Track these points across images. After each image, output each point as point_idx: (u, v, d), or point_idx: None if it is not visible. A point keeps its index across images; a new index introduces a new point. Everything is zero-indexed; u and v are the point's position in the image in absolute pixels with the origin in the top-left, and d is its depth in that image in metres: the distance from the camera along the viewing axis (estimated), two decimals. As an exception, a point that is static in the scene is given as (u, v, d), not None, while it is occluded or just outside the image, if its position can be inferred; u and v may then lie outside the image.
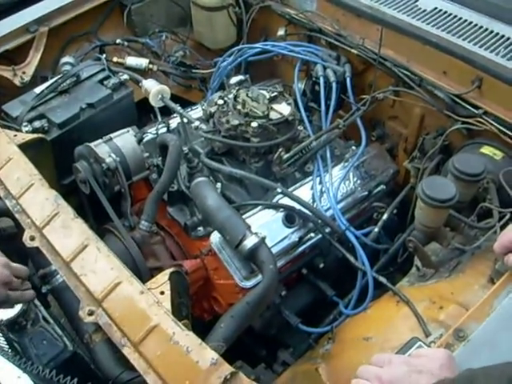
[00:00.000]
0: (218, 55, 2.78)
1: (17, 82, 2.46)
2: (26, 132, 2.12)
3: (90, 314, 1.50)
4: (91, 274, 1.56)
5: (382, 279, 1.88)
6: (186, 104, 2.57)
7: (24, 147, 1.97)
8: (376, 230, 2.09)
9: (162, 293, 1.49)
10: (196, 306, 2.04)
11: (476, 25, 2.25)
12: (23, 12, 2.63)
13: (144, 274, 1.85)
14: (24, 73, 2.49)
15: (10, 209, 1.82)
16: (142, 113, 2.49)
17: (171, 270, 1.58)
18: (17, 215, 1.80)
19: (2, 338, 1.60)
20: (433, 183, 1.70)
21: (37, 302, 1.67)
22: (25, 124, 2.15)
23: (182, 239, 2.07)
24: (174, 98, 2.38)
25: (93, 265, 1.57)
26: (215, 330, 1.59)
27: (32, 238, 1.71)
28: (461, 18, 2.30)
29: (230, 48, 2.70)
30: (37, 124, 2.16)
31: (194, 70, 2.89)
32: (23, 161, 1.90)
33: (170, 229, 2.11)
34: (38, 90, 2.29)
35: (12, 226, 1.94)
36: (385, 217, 2.13)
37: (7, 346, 1.58)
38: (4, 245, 1.92)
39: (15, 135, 2.03)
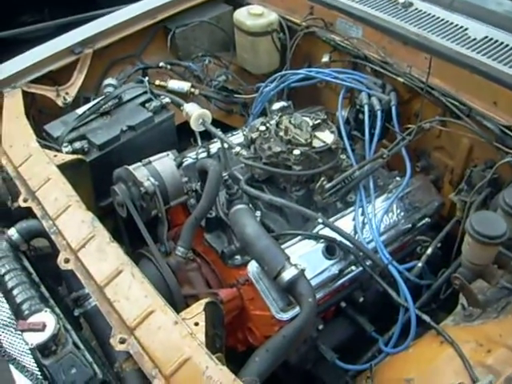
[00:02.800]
0: (261, 80, 2.77)
1: (59, 102, 2.48)
2: (66, 152, 2.13)
3: (122, 342, 1.48)
4: (124, 300, 1.53)
5: (426, 317, 1.79)
6: (227, 129, 2.55)
7: (63, 168, 1.98)
8: (420, 265, 2.01)
9: (197, 324, 1.45)
10: (230, 337, 1.98)
11: (528, 54, 2.19)
12: (69, 34, 2.67)
13: (178, 302, 1.81)
14: (67, 93, 2.51)
15: (47, 229, 1.82)
16: (182, 136, 2.48)
17: (206, 300, 1.54)
18: (53, 236, 1.80)
19: (33, 362, 1.57)
20: (482, 218, 1.63)
21: (68, 326, 1.64)
22: (65, 144, 2.16)
23: (219, 267, 2.03)
24: (214, 122, 2.37)
25: (126, 291, 1.55)
26: (249, 364, 1.54)
27: (66, 261, 1.71)
28: (512, 47, 2.23)
29: (273, 73, 2.68)
30: (77, 145, 2.17)
31: (235, 95, 2.88)
32: (62, 181, 1.90)
33: (206, 256, 2.07)
34: (79, 110, 2.31)
35: (48, 245, 1.94)
36: (429, 251, 2.06)
37: (38, 371, 1.55)
38: (39, 265, 1.92)
39: (55, 155, 2.05)
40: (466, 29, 2.37)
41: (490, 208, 1.97)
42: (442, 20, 2.45)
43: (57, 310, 1.69)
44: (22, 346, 1.60)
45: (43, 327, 1.51)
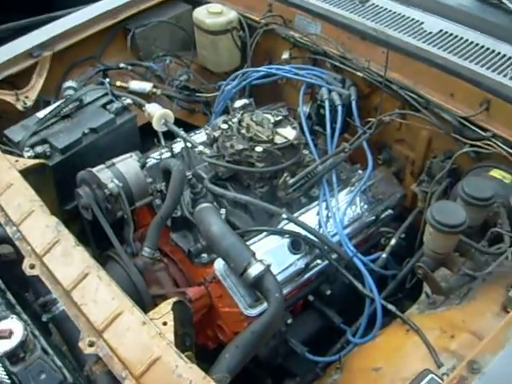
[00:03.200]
0: (222, 79, 2.78)
1: (19, 106, 2.44)
2: (28, 157, 2.10)
3: (91, 345, 1.47)
4: (92, 303, 1.53)
5: (391, 307, 1.83)
6: (190, 128, 2.55)
7: (25, 173, 1.95)
8: (384, 255, 2.05)
9: (165, 323, 1.45)
10: (200, 334, 1.99)
11: (483, 46, 2.24)
12: (26, 37, 2.64)
13: (147, 302, 1.81)
14: (27, 97, 2.47)
15: (10, 236, 1.79)
16: (145, 137, 2.47)
17: (174, 299, 1.54)
18: (17, 242, 1.77)
19: (2, 370, 1.55)
20: (442, 208, 1.67)
21: (36, 332, 1.62)
22: (27, 149, 2.13)
23: (186, 266, 2.03)
24: (177, 121, 2.37)
25: (94, 294, 1.54)
26: (220, 361, 1.55)
27: (32, 267, 1.68)
28: (467, 40, 2.28)
29: (234, 71, 2.70)
30: (39, 149, 2.15)
31: (197, 94, 2.88)
32: (24, 187, 1.88)
33: (173, 255, 2.07)
34: (40, 114, 2.28)
35: (13, 251, 1.91)
36: (393, 242, 2.09)
37: (7, 379, 1.54)
38: (4, 271, 1.89)
39: (16, 160, 2.02)
40: (422, 23, 2.41)
41: (450, 198, 2.01)
42: (399, 14, 2.49)
43: (24, 316, 1.67)
44: (-11, 356, 1.58)
45: (10, 334, 1.49)
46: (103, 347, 1.45)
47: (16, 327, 1.51)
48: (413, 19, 2.44)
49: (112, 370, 1.41)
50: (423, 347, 1.56)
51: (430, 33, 2.34)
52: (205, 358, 1.64)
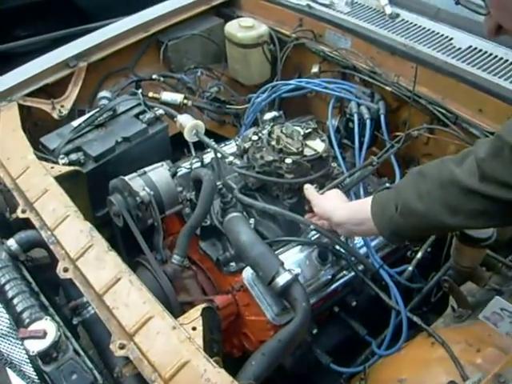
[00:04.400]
0: (252, 91, 2.81)
1: (55, 115, 2.50)
2: (63, 164, 2.15)
3: (122, 347, 1.50)
4: (123, 307, 1.56)
5: (417, 319, 1.83)
6: (220, 139, 2.58)
7: (60, 179, 2.01)
8: (410, 268, 2.05)
9: (194, 328, 1.48)
10: (226, 342, 2.01)
11: (512, 63, 2.25)
12: (63, 47, 2.70)
13: (175, 309, 1.83)
14: (62, 106, 2.53)
15: (45, 240, 1.84)
16: (176, 147, 2.52)
17: (203, 305, 1.57)
18: (51, 246, 1.82)
19: (32, 370, 1.59)
20: (469, 222, 1.67)
21: (68, 333, 1.66)
22: (61, 156, 2.18)
23: (214, 274, 2.06)
24: (208, 133, 2.40)
25: (125, 298, 1.57)
26: (246, 368, 1.57)
27: (65, 270, 1.73)
28: (496, 56, 2.30)
29: (264, 84, 2.72)
30: (73, 157, 2.19)
31: (228, 106, 2.92)
32: (59, 192, 1.93)
33: (201, 263, 2.10)
34: (75, 123, 2.33)
35: (45, 256, 1.96)
36: (419, 255, 2.09)
37: (37, 378, 1.58)
38: (37, 275, 1.94)
39: (52, 167, 2.07)
40: (451, 39, 2.43)
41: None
42: (428, 30, 2.51)
43: (57, 318, 1.71)
44: (22, 355, 1.62)
45: (44, 334, 1.53)
46: (134, 350, 1.48)
47: (49, 328, 1.55)
48: (442, 35, 2.46)
49: (142, 372, 1.44)
50: (448, 360, 1.56)
51: (459, 48, 2.36)
52: (230, 365, 1.66)
